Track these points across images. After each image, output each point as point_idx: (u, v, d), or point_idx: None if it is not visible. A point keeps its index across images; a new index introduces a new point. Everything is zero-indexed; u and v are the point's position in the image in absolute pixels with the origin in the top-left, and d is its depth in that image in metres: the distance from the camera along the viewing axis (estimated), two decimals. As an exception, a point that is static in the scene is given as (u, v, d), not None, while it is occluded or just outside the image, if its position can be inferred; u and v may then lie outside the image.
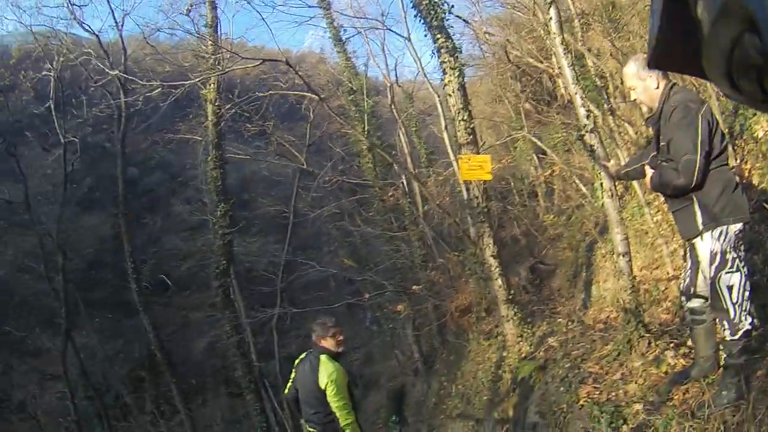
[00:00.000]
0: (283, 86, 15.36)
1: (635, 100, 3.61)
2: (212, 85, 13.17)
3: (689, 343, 4.27)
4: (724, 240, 3.23)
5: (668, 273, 6.76)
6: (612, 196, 5.18)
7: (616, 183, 5.65)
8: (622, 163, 5.71)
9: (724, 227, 3.23)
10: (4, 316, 21.68)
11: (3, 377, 19.62)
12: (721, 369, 3.50)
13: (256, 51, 20.99)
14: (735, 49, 0.52)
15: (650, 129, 3.69)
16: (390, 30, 22.03)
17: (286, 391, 5.35)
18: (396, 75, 18.47)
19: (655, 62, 0.65)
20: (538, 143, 11.36)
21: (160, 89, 10.22)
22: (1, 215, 23.14)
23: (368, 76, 19.19)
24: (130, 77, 12.88)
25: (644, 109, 3.55)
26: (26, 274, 22.17)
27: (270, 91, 12.81)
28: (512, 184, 16.39)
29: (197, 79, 9.57)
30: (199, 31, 12.61)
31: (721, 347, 3.54)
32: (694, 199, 3.30)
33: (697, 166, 3.15)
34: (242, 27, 42.84)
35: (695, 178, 3.17)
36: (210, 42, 12.19)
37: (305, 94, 12.16)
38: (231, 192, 14.90)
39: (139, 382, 21.48)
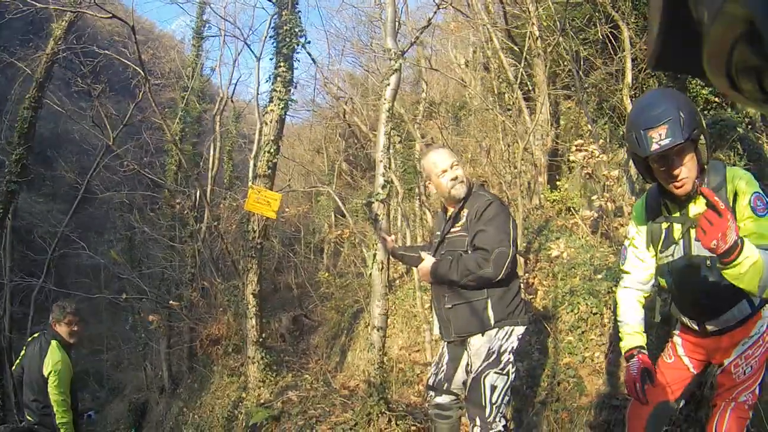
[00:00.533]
0: (129, 55, 14.10)
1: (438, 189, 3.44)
2: (64, 22, 12.37)
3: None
4: (506, 340, 3.23)
5: (426, 359, 7.06)
6: (381, 269, 5.17)
7: (390, 259, 5.68)
8: (404, 245, 5.84)
9: (512, 328, 3.24)
10: None
11: None
12: None
13: (125, 11, 18.92)
14: (735, 49, 0.52)
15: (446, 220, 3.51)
16: (247, 45, 21.76)
17: (13, 368, 5.04)
18: (234, 90, 18.06)
19: (655, 63, 0.65)
20: (340, 203, 11.51)
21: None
22: None
23: (210, 81, 18.53)
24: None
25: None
26: None
27: (105, 51, 11.99)
28: (302, 234, 16.42)
29: (46, 6, 9.08)
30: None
31: None
32: (489, 294, 3.23)
33: (509, 259, 3.13)
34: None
35: (504, 271, 3.13)
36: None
37: (138, 70, 11.34)
38: (36, 141, 13.66)
39: None
